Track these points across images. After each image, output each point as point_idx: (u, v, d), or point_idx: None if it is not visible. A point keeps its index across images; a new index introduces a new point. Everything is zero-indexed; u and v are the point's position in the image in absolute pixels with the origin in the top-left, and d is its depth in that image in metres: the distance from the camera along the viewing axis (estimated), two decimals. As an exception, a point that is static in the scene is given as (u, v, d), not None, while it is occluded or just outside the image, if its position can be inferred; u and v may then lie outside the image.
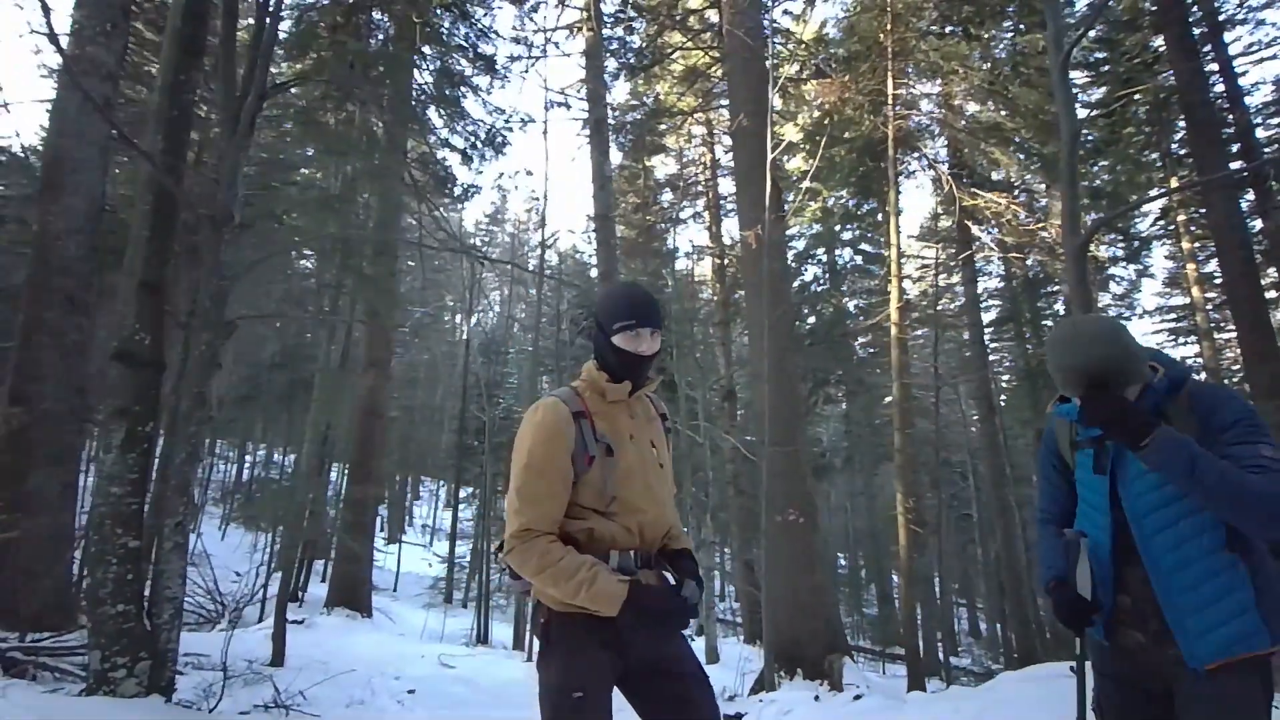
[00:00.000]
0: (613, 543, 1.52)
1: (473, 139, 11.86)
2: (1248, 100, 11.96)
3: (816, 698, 5.42)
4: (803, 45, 12.18)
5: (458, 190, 12.33)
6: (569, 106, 11.99)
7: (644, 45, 12.76)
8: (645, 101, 15.50)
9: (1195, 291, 16.20)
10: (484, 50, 11.43)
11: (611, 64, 12.23)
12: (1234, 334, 10.62)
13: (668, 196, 17.52)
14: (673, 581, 1.56)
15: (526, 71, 11.63)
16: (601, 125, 11.16)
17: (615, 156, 14.93)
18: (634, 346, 1.59)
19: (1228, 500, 1.36)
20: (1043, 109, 8.56)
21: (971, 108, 10.29)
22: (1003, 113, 9.31)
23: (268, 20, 4.83)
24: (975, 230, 10.69)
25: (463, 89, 11.66)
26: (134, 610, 4.05)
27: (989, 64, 9.08)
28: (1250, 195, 11.37)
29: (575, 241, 24.84)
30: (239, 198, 4.41)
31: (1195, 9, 10.75)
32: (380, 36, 9.83)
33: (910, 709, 4.20)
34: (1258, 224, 11.89)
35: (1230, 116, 11.10)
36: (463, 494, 19.59)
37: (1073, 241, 2.92)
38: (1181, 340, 18.34)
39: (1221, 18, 11.25)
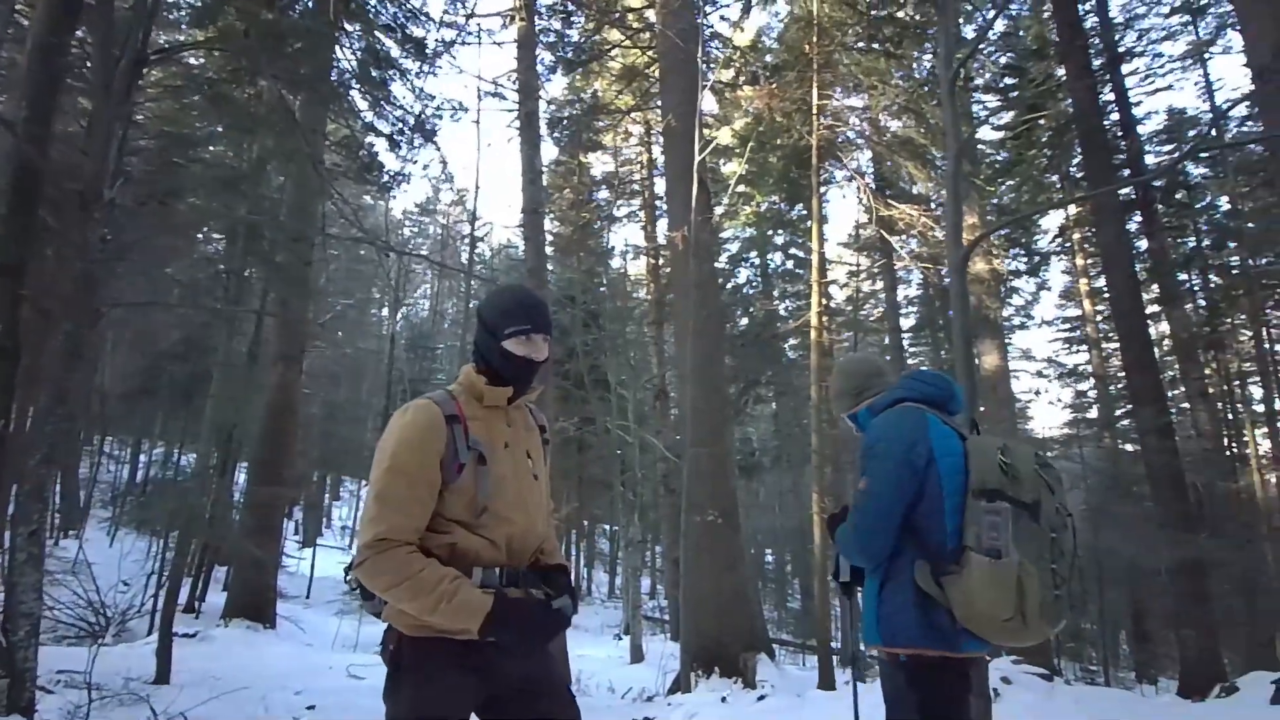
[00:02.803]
0: (477, 558, 1.42)
1: (400, 125, 11.38)
2: (1140, 129, 13.05)
3: (724, 698, 5.48)
4: (738, 51, 12.34)
5: (384, 178, 11.81)
6: (503, 97, 11.68)
7: (582, 40, 12.59)
8: (583, 97, 15.33)
9: (1087, 304, 17.52)
10: (414, 32, 10.97)
11: (548, 57, 12.00)
12: (1119, 344, 11.53)
13: (604, 194, 17.42)
14: (543, 597, 1.47)
15: (456, 57, 11.23)
16: (533, 118, 10.90)
17: (551, 151, 14.74)
18: (527, 352, 1.51)
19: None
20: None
21: (892, 124, 10.71)
22: (919, 130, 9.73)
23: (153, -21, 4.42)
24: (893, 240, 11.14)
25: (391, 72, 11.16)
26: (-14, 627, 3.67)
27: (907, 82, 9.47)
28: (1138, 217, 12.39)
29: (509, 236, 24.34)
30: (113, 173, 4.01)
31: (1096, 40, 11.61)
32: (299, 8, 9.25)
33: (809, 707, 4.29)
34: (1143, 244, 12.99)
35: (1123, 143, 12.05)
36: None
37: (955, 254, 3.05)
38: (1074, 349, 19.79)
39: (1120, 49, 12.18)
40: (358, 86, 11.33)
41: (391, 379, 18.06)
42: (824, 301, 9.86)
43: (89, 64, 7.16)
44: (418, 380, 17.84)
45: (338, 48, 10.69)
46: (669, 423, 16.00)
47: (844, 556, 1.95)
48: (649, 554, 21.59)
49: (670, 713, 4.86)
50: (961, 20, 11.50)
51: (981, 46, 10.80)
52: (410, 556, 1.35)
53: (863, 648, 1.91)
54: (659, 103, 14.21)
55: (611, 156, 17.70)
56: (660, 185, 17.06)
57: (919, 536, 1.72)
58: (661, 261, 16.72)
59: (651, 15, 11.79)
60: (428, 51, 11.23)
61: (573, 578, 1.60)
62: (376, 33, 10.44)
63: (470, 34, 11.31)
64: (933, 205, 11.86)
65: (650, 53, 12.74)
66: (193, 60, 8.35)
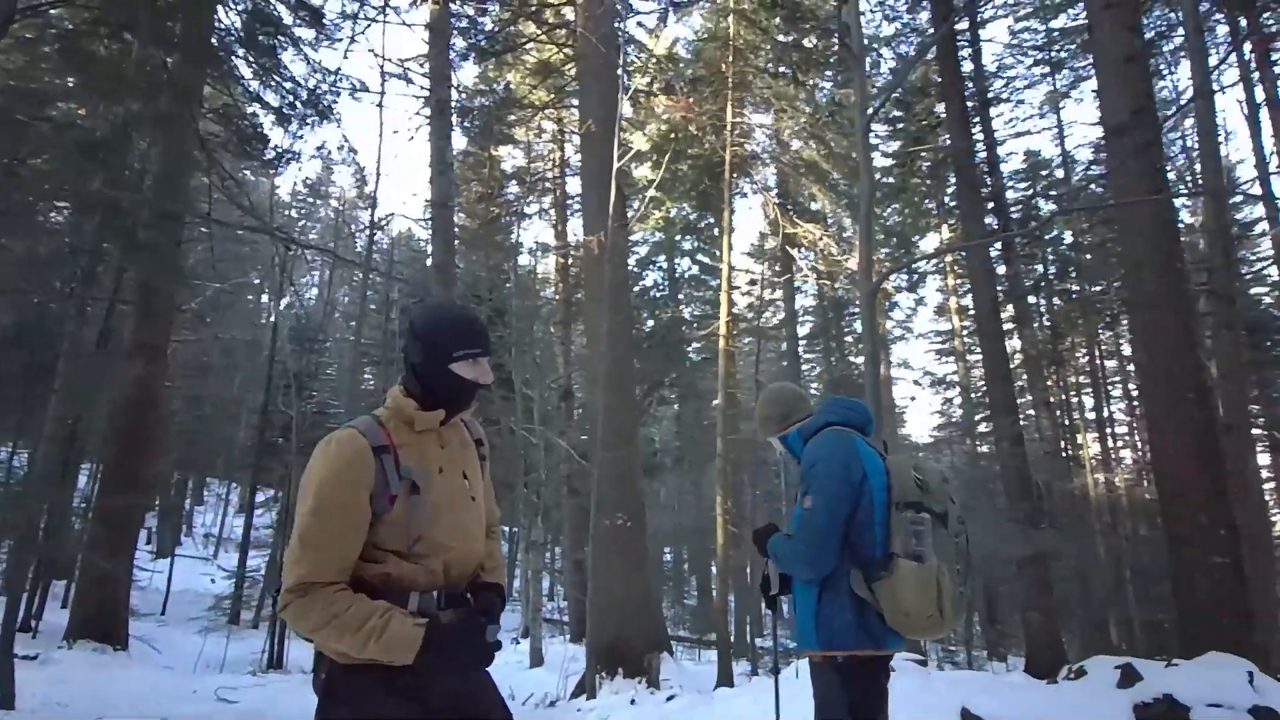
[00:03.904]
0: (413, 584, 1.38)
1: (291, 98, 10.53)
2: (1003, 167, 14.65)
3: (633, 700, 5.56)
4: (654, 59, 12.52)
5: (269, 154, 10.87)
6: (410, 80, 11.12)
7: (496, 29, 12.24)
8: (495, 89, 14.90)
9: (955, 320, 19.44)
10: (309, -1, 10.20)
11: (460, 44, 11.57)
12: (981, 358, 12.91)
13: (514, 189, 17.03)
14: (482, 618, 1.44)
15: (358, 31, 10.46)
16: (445, 106, 10.50)
17: (460, 141, 14.19)
18: (475, 375, 1.45)
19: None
20: (851, 156, 9.65)
21: (796, 145, 11.31)
22: (821, 153, 10.35)
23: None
24: (795, 254, 11.76)
25: (281, 39, 10.29)
26: None
27: (812, 108, 10.04)
28: (999, 246, 13.90)
29: (411, 227, 23.12)
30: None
31: (970, 85, 12.88)
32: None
33: (718, 704, 4.45)
34: (1002, 269, 14.61)
35: (989, 179, 13.47)
36: (260, 497, 17.30)
37: (867, 285, 3.31)
38: (944, 359, 21.89)
39: (990, 95, 13.58)
40: (242, 52, 10.40)
41: (273, 372, 16.61)
42: (731, 309, 10.24)
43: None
44: (304, 375, 16.49)
45: (220, 7, 9.75)
46: (574, 424, 15.95)
47: (785, 569, 2.03)
48: (549, 555, 21.39)
49: (580, 718, 4.85)
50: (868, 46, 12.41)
51: (880, 85, 11.70)
52: (335, 596, 1.31)
53: (792, 645, 2.12)
54: (574, 101, 14.15)
55: (523, 152, 17.35)
56: (572, 184, 16.95)
57: (852, 547, 1.90)
58: (571, 261, 16.60)
59: (569, 13, 11.70)
60: (325, 20, 10.51)
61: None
62: (267, -6, 9.60)
63: (375, 8, 10.72)
64: (830, 223, 12.67)
65: (566, 50, 12.63)
66: (53, 11, 7.28)
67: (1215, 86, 7.00)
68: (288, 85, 10.46)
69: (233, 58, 10.43)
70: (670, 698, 5.29)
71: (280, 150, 10.83)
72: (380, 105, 10.77)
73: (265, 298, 27.17)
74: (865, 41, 12.68)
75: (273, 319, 18.56)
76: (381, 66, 10.98)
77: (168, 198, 8.11)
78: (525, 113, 14.65)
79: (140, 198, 7.96)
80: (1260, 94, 7.98)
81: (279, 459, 16.12)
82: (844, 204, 12.29)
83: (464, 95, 13.86)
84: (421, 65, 11.16)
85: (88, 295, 8.33)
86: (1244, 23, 7.14)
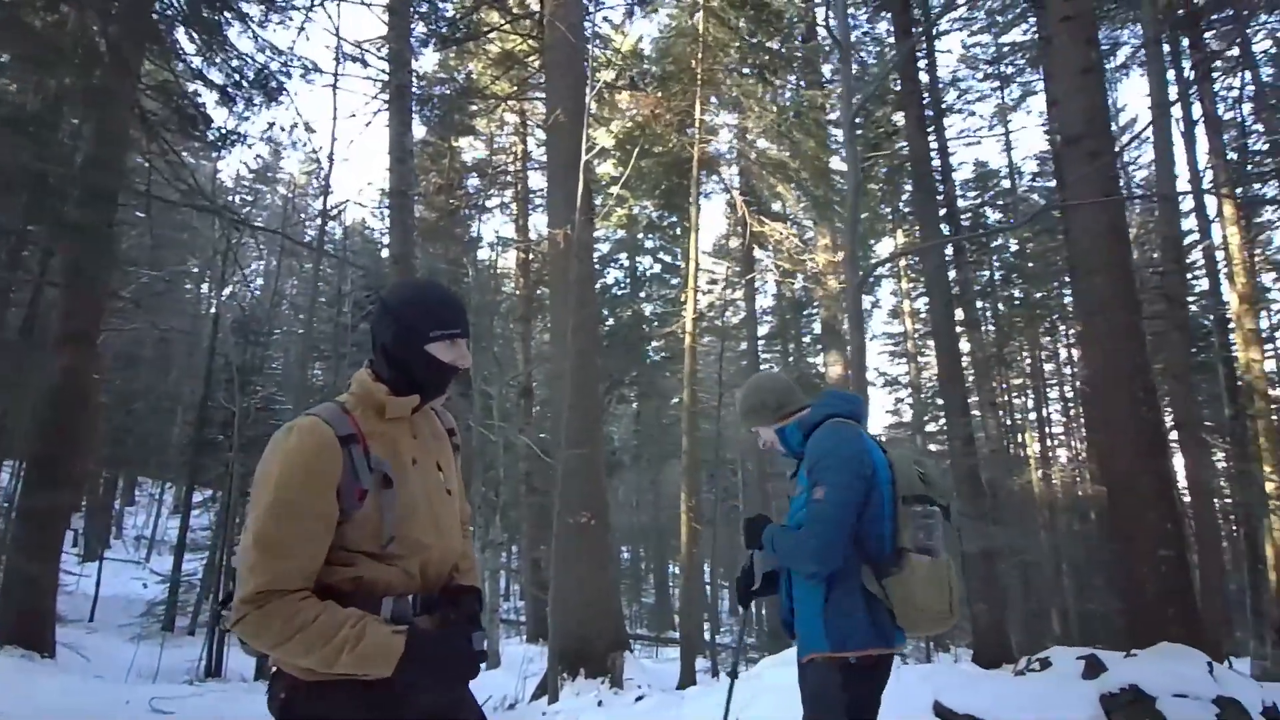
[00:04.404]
0: (387, 589, 1.24)
1: (237, 76, 10.03)
2: (955, 176, 15.18)
3: (600, 702, 5.48)
4: (620, 55, 12.43)
5: (211, 135, 10.34)
6: (365, 64, 10.71)
7: (458, 16, 11.93)
8: (456, 77, 14.53)
9: (909, 322, 20.06)
10: (257, -28, 9.72)
11: (420, 29, 11.22)
12: (935, 360, 13.33)
13: (474, 182, 16.66)
14: (466, 624, 1.31)
15: (315, 6, 9.96)
16: (405, 92, 10.14)
17: (418, 131, 13.79)
18: (454, 358, 1.32)
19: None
20: (819, 157, 9.79)
21: (763, 144, 11.42)
22: (787, 154, 10.46)
23: None
24: (759, 253, 11.87)
25: (227, 14, 9.79)
26: None
27: (778, 109, 10.15)
28: (950, 251, 14.40)
29: (364, 216, 22.30)
30: None
31: (926, 95, 13.28)
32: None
33: (689, 704, 4.42)
34: (953, 274, 15.15)
35: (942, 186, 13.92)
36: (198, 498, 16.43)
37: (854, 279, 3.34)
38: (896, 360, 22.55)
39: (944, 105, 14.03)
40: (185, 27, 9.85)
41: (214, 365, 15.79)
42: (697, 308, 10.26)
43: None
44: (247, 368, 15.72)
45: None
46: (534, 421, 15.73)
47: (788, 563, 1.93)
48: (506, 555, 21.07)
49: (548, 722, 4.75)
50: (821, 59, 12.64)
51: (835, 89, 11.91)
52: (299, 606, 1.16)
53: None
54: (538, 94, 13.94)
55: (484, 143, 16.99)
56: (535, 179, 16.70)
57: (860, 543, 1.83)
58: (532, 256, 16.36)
59: (534, 2, 11.50)
60: (276, -1, 10.02)
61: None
62: (213, -34, 9.13)
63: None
64: (790, 223, 12.84)
65: (531, 41, 12.40)
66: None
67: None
68: (234, 63, 9.99)
69: (175, 32, 9.89)
70: (639, 698, 5.24)
71: (225, 131, 10.32)
72: (335, 88, 10.34)
73: (206, 287, 25.84)
74: (826, 49, 13.04)
75: (214, 309, 17.65)
76: (338, 47, 10.56)
77: (101, 176, 7.58)
78: (487, 103, 14.35)
79: (70, 173, 7.42)
80: (1197, 110, 8.50)
81: (218, 457, 15.37)
82: (804, 205, 12.49)
83: (424, 83, 13.48)
84: (380, 48, 10.78)
85: (12, 279, 7.71)
86: (1186, 42, 7.57)
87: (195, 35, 9.78)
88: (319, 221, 12.79)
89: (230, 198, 23.33)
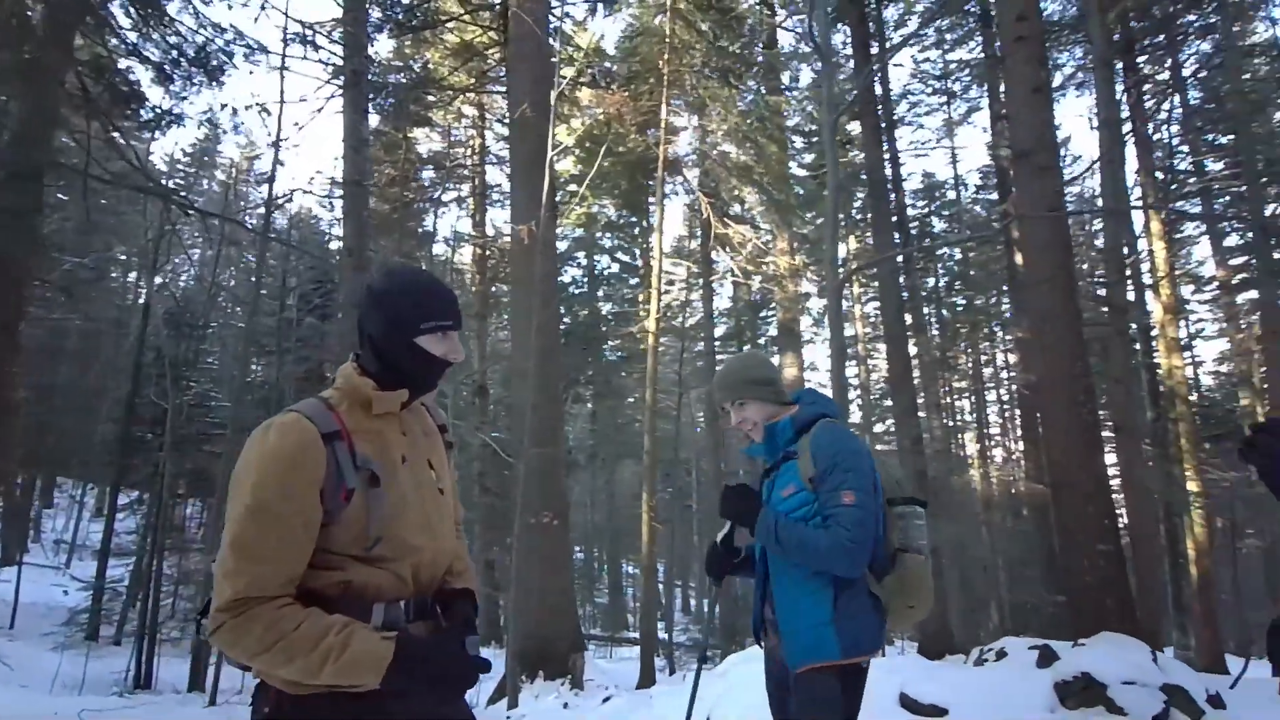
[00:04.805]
0: (378, 594, 1.18)
1: (175, 53, 9.50)
2: (905, 185, 15.75)
3: (565, 704, 5.42)
4: (582, 51, 12.35)
5: (145, 114, 9.77)
6: (316, 47, 10.26)
7: (415, 2, 11.62)
8: (412, 66, 14.14)
9: (859, 326, 20.67)
10: (198, -60, 9.22)
11: (376, 14, 10.86)
12: (886, 363, 13.79)
13: (430, 174, 16.25)
14: (461, 630, 1.25)
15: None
16: (360, 78, 9.82)
17: (371, 120, 13.33)
18: (445, 351, 1.26)
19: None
20: (782, 161, 9.96)
21: (728, 147, 11.55)
22: (751, 158, 10.61)
23: None
24: (722, 255, 12.00)
25: (166, -15, 9.27)
26: None
27: (741, 113, 10.29)
28: (900, 259, 14.93)
29: (311, 206, 21.42)
30: None
31: (879, 107, 13.73)
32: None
33: (657, 704, 4.42)
34: (902, 279, 15.72)
35: (893, 195, 14.42)
36: (124, 500, 15.43)
37: (834, 280, 3.40)
38: (845, 362, 23.17)
39: (895, 117, 14.53)
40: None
41: (143, 359, 14.85)
42: (660, 307, 10.28)
43: None
44: (180, 364, 14.84)
45: (94, -55, 8.63)
46: (488, 419, 15.46)
47: (809, 563, 1.77)
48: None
49: (512, 727, 4.66)
50: (782, 66, 12.89)
51: (795, 96, 12.16)
52: (280, 613, 1.09)
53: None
54: (498, 88, 13.70)
55: (440, 135, 16.58)
56: (492, 173, 16.42)
57: None
58: (489, 253, 16.07)
59: (494, -5, 11.30)
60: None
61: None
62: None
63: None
64: (750, 225, 13.03)
65: (491, 34, 12.18)
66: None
67: (1095, 122, 7.84)
68: (173, 39, 9.46)
69: (110, 4, 9.29)
70: (606, 699, 5.21)
71: (160, 111, 9.76)
72: (282, 70, 9.87)
73: (134, 275, 24.34)
74: (783, 59, 13.29)
75: (144, 299, 16.59)
76: (284, 27, 10.07)
77: (28, 153, 7.06)
78: (444, 95, 14.00)
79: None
80: (1127, 127, 9.08)
81: (147, 456, 14.49)
82: (763, 208, 12.71)
83: (378, 70, 13.04)
84: (332, 32, 10.36)
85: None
86: (1120, 66, 8.09)
87: (132, 9, 9.22)
88: (263, 210, 12.21)
89: (164, 181, 22.04)
